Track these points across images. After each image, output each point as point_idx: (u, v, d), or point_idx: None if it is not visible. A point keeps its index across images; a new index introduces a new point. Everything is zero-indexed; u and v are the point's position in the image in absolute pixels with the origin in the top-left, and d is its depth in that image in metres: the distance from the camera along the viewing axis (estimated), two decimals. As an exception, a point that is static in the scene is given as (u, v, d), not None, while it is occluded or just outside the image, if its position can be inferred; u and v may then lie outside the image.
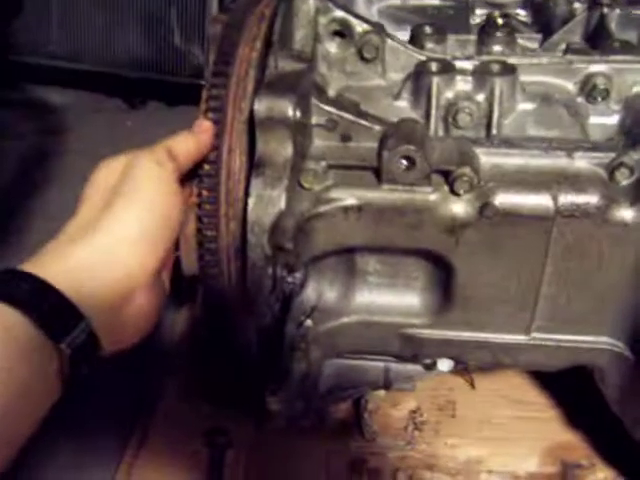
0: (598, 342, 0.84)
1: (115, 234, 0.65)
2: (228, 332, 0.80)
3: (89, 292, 0.61)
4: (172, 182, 0.69)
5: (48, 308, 0.58)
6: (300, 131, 0.71)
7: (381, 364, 0.96)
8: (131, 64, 1.90)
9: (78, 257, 0.63)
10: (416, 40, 0.87)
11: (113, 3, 1.86)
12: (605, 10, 0.88)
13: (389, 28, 0.96)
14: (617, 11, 0.88)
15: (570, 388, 0.99)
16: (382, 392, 1.02)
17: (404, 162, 0.72)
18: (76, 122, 1.94)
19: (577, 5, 0.97)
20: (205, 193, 0.74)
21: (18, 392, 0.55)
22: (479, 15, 1.02)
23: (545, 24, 0.99)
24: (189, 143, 0.73)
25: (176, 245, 0.75)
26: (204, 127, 0.74)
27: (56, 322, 0.58)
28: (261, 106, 0.69)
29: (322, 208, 0.74)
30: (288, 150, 0.70)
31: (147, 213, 0.66)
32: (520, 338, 0.84)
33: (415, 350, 0.87)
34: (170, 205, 0.68)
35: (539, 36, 0.96)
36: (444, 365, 0.91)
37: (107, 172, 0.69)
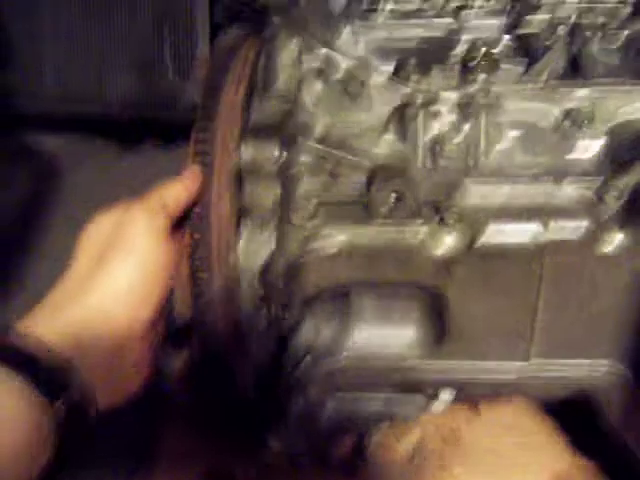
0: (598, 365, 0.83)
1: (109, 290, 0.66)
2: (225, 375, 0.79)
3: (85, 349, 0.62)
4: (165, 232, 0.70)
5: (42, 367, 0.58)
6: (287, 172, 0.72)
7: (382, 396, 0.95)
8: (124, 103, 1.90)
9: (73, 314, 0.63)
10: (401, 73, 0.87)
11: (105, 44, 1.88)
12: (586, 34, 0.89)
13: (375, 61, 0.97)
14: (598, 35, 0.88)
15: (575, 413, 0.98)
16: (385, 425, 1.01)
17: (393, 197, 0.73)
18: (71, 166, 1.95)
19: (560, 30, 0.98)
20: (196, 236, 0.74)
21: (13, 452, 0.54)
22: (465, 43, 1.02)
23: (529, 49, 0.99)
24: (179, 190, 0.74)
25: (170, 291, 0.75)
26: (193, 173, 0.75)
27: (50, 381, 0.58)
28: (246, 150, 0.70)
29: (313, 246, 0.74)
30: (276, 192, 0.71)
31: (141, 267, 0.67)
32: (519, 366, 0.83)
33: (415, 382, 0.87)
34: (163, 256, 0.69)
35: (524, 62, 0.96)
36: (445, 395, 0.90)
37: (100, 226, 0.70)
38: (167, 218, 0.71)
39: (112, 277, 0.66)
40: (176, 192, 0.73)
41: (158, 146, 1.93)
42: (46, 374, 0.58)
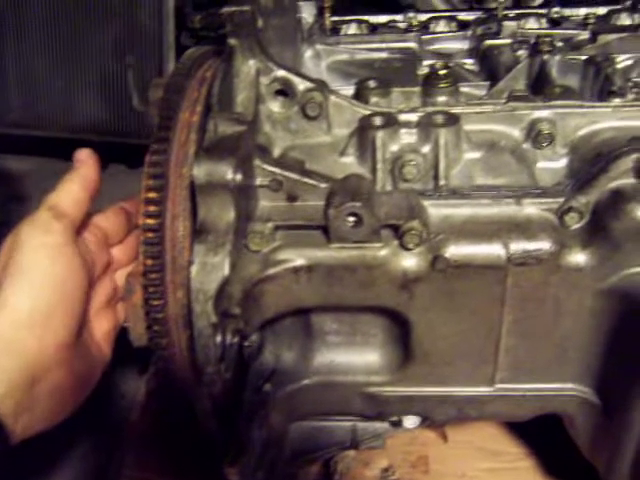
0: (563, 389, 0.82)
1: (8, 318, 0.62)
2: (183, 402, 0.77)
3: None
4: (63, 245, 0.66)
5: None
6: (243, 194, 0.70)
7: (348, 423, 0.93)
8: (90, 128, 1.89)
9: None
10: (360, 95, 0.86)
11: (71, 69, 1.87)
12: (545, 57, 0.89)
13: (337, 83, 0.97)
14: (557, 57, 0.89)
15: (544, 435, 0.97)
16: (352, 452, 0.99)
17: (351, 219, 0.71)
18: (38, 189, 1.92)
19: (520, 52, 0.99)
20: (150, 262, 0.72)
21: None
22: (426, 66, 1.02)
23: (491, 72, 1.00)
24: (74, 190, 0.69)
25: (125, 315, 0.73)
26: (82, 157, 0.71)
27: None
28: (200, 171, 0.67)
29: (271, 270, 0.72)
30: (230, 215, 0.69)
31: (39, 288, 0.63)
32: (484, 390, 0.82)
33: (378, 408, 0.85)
34: (64, 272, 0.65)
35: (486, 84, 0.96)
36: (410, 422, 0.89)
37: None
38: (66, 227, 0.66)
39: (9, 304, 0.62)
40: (71, 194, 0.69)
41: (124, 170, 1.91)
42: None
